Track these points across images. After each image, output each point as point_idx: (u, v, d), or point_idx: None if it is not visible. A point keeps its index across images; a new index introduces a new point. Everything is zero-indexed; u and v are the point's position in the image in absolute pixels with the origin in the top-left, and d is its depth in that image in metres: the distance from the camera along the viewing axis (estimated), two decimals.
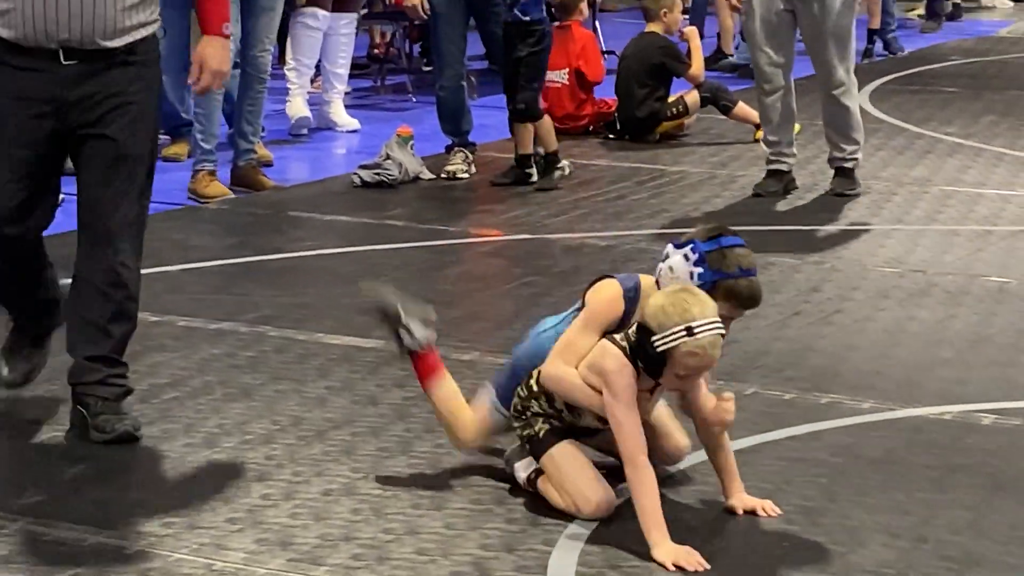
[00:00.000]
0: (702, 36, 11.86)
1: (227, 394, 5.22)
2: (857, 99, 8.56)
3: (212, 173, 8.14)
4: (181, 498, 4.38)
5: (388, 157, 8.60)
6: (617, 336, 4.21)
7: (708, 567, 3.93)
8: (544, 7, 8.77)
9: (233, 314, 6.10)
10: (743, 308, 4.34)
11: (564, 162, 8.91)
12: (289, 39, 10.08)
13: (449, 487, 4.48)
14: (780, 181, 8.52)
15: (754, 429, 4.94)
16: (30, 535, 4.12)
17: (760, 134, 10.08)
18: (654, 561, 3.96)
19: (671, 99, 10.12)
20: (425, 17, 9.01)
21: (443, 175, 8.80)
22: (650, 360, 4.07)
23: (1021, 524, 4.27)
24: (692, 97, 10.11)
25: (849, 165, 8.55)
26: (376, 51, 13.12)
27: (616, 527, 4.21)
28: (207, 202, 8.06)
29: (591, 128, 10.36)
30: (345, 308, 6.15)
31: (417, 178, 8.71)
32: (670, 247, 4.35)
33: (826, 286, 6.72)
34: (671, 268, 4.29)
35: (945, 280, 6.79)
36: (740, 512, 4.27)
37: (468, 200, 8.46)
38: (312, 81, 10.37)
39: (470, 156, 8.94)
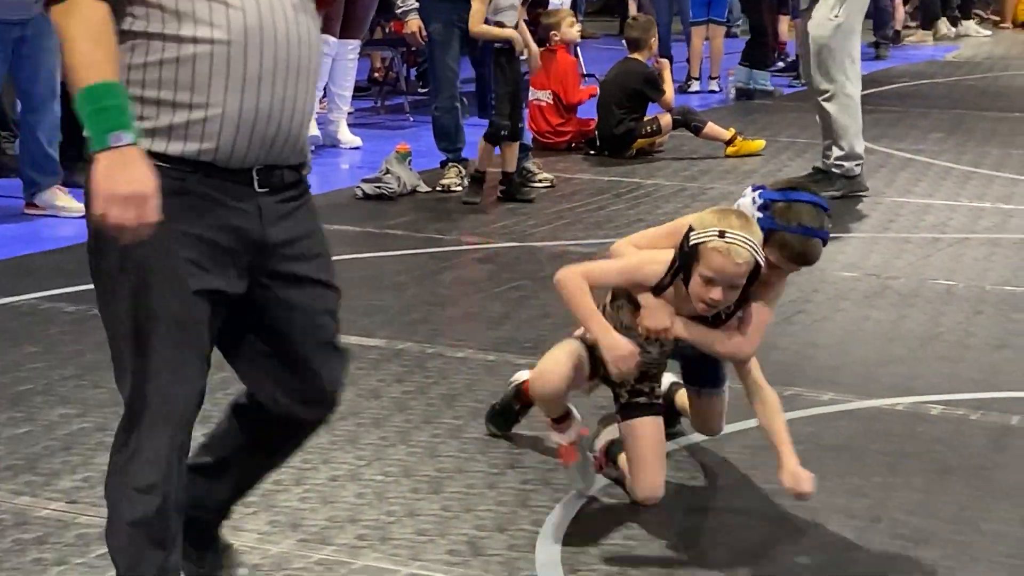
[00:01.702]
0: (671, 61, 11.93)
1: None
2: (846, 108, 8.54)
3: None
4: None
5: (388, 172, 8.60)
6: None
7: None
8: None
9: None
10: (793, 263, 4.14)
11: (550, 175, 8.96)
12: None
13: (445, 473, 4.47)
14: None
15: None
16: (61, 519, 4.11)
17: (731, 150, 10.14)
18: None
19: (646, 119, 10.16)
20: (423, 44, 9.01)
21: (438, 188, 8.81)
22: (683, 257, 3.95)
23: (967, 505, 4.28)
24: (665, 119, 10.16)
25: (833, 170, 8.58)
26: (376, 75, 13.12)
27: (599, 509, 4.22)
28: None
29: (573, 145, 10.38)
30: (350, 310, 6.10)
31: (415, 191, 8.71)
32: (747, 189, 4.21)
33: (788, 289, 6.64)
34: (739, 207, 4.12)
35: (897, 283, 6.80)
36: (786, 486, 3.96)
37: (461, 211, 8.45)
38: (319, 102, 10.38)
39: (463, 171, 8.94)
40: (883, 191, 8.91)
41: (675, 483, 4.40)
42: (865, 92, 9.38)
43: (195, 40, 2.84)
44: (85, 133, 2.73)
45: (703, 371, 4.47)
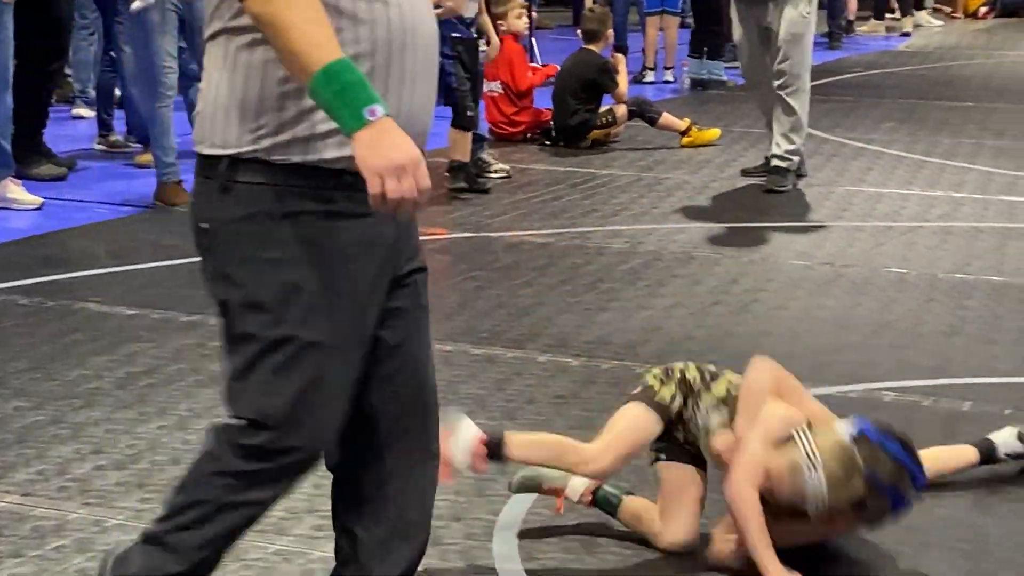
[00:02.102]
0: (626, 53, 11.96)
1: (198, 380, 5.20)
2: (804, 103, 8.59)
3: (178, 183, 8.07)
4: (156, 476, 4.36)
5: None
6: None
7: None
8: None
9: (203, 307, 6.05)
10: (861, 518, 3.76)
11: (505, 166, 8.97)
12: None
13: None
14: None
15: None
16: (16, 512, 4.09)
17: (686, 140, 10.17)
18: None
19: (601, 110, 10.17)
20: None
21: None
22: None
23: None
24: (621, 110, 10.17)
25: (782, 164, 8.61)
26: None
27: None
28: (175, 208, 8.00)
29: (529, 135, 10.39)
30: None
31: None
32: (852, 418, 3.83)
33: (743, 278, 6.75)
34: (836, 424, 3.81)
35: (850, 271, 6.83)
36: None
37: None
38: None
39: None
40: (836, 180, 8.96)
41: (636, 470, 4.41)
42: (818, 82, 9.45)
43: (356, 40, 2.67)
44: (331, 114, 2.54)
45: None
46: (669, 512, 3.92)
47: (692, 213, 8.10)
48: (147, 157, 8.87)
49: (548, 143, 10.23)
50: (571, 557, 3.86)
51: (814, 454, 3.66)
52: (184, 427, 4.75)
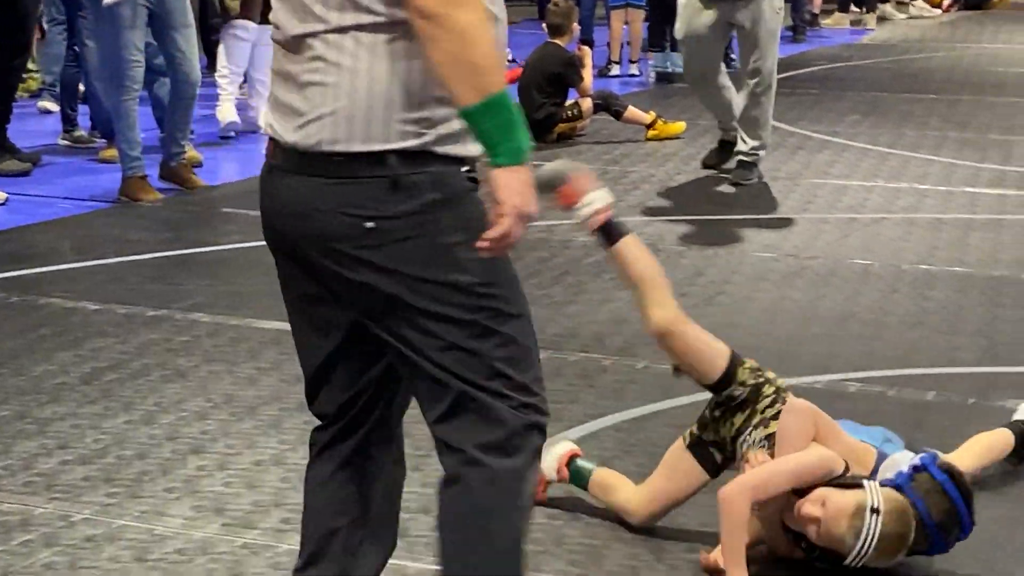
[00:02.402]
0: (592, 46, 11.97)
1: (164, 375, 5.19)
2: (772, 100, 8.60)
3: (143, 178, 8.04)
4: (123, 470, 4.36)
5: None
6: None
7: None
8: None
9: (169, 302, 6.06)
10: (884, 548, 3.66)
11: None
12: (221, 48, 10.02)
13: None
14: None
15: (646, 399, 4.98)
16: None
17: (651, 133, 10.18)
18: None
19: (567, 104, 10.18)
20: None
21: None
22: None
23: None
24: (586, 103, 10.17)
25: (749, 159, 8.64)
26: None
27: None
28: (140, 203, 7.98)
29: None
30: (273, 295, 6.07)
31: None
32: (920, 456, 3.81)
33: (709, 271, 6.77)
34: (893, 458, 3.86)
35: (815, 263, 6.86)
36: None
37: None
38: (239, 88, 10.32)
39: None
40: (801, 173, 8.99)
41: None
42: (783, 76, 9.46)
43: None
44: (487, 138, 2.56)
45: None
46: (653, 489, 3.96)
47: (658, 206, 8.12)
48: (111, 152, 8.83)
49: None
50: (539, 549, 3.87)
51: (880, 503, 3.63)
52: (150, 422, 4.74)
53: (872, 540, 3.59)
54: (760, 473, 3.71)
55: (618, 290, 6.39)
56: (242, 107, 10.23)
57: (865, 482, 3.69)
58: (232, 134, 9.97)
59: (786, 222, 7.70)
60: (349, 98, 2.62)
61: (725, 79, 8.70)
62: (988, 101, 12.06)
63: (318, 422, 3.01)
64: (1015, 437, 4.36)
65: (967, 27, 18.68)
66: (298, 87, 2.68)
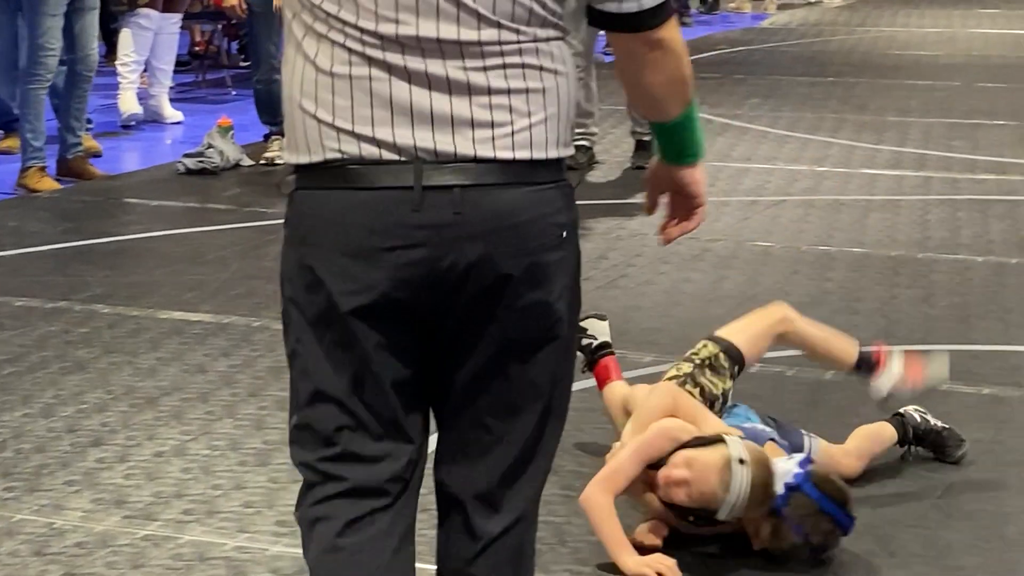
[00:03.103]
0: None
1: (63, 367, 5.13)
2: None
3: (42, 169, 7.94)
4: (21, 464, 4.30)
5: (210, 146, 8.49)
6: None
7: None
8: None
9: (67, 294, 5.99)
10: (772, 539, 3.77)
11: None
12: (122, 37, 9.91)
13: (272, 445, 4.44)
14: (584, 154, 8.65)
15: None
16: None
17: None
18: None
19: None
20: (243, 17, 8.91)
21: (262, 161, 8.71)
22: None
23: None
24: None
25: (648, 139, 8.65)
26: (197, 48, 12.94)
27: None
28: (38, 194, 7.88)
29: None
30: (174, 285, 6.08)
31: (238, 165, 8.61)
32: (798, 460, 3.83)
33: (612, 254, 6.79)
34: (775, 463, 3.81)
35: (717, 246, 6.90)
36: None
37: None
38: (140, 77, 10.22)
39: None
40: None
41: None
42: None
43: None
44: (685, 138, 2.55)
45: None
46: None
47: (581, 177, 8.11)
48: (9, 143, 8.71)
49: None
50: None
51: (744, 453, 3.68)
52: (49, 414, 4.68)
53: (744, 490, 3.62)
54: (606, 468, 3.81)
55: None
56: (144, 96, 10.13)
57: (725, 436, 3.74)
58: (133, 124, 9.87)
59: None
60: (550, 103, 2.42)
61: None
62: (885, 84, 12.20)
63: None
64: (897, 431, 4.41)
65: (865, 11, 18.87)
66: (485, 93, 2.36)
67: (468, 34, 2.35)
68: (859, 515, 4.02)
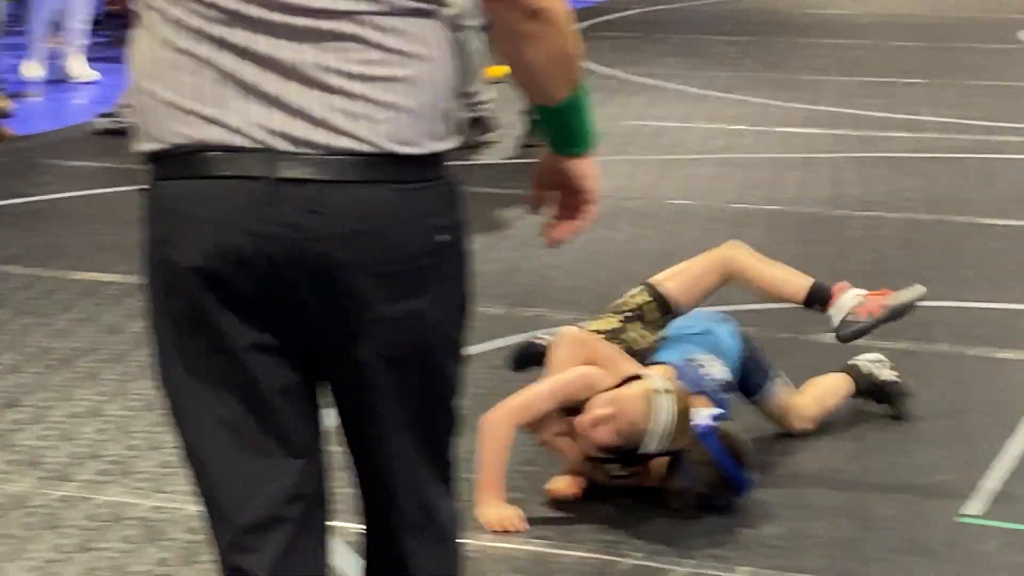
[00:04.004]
0: None
1: None
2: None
3: None
4: None
5: (126, 106, 8.41)
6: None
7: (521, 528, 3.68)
8: None
9: None
10: (659, 483, 3.82)
11: None
12: None
13: None
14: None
15: (469, 341, 4.96)
16: None
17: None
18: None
19: None
20: None
21: None
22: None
23: None
24: None
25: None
26: (111, 7, 12.78)
27: None
28: None
29: None
30: (88, 246, 6.01)
31: None
32: (710, 413, 3.85)
33: (528, 214, 6.77)
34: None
35: (634, 204, 6.92)
36: None
37: None
38: (55, 37, 10.09)
39: None
40: (619, 115, 9.03)
41: None
42: (602, 19, 9.52)
43: None
44: (572, 125, 2.35)
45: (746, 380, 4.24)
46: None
47: (479, 151, 8.12)
48: None
49: None
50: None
51: (665, 384, 3.72)
52: None
53: (669, 419, 3.65)
54: (519, 397, 3.77)
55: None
56: (58, 55, 10.00)
57: (641, 372, 3.76)
58: (41, 84, 9.77)
59: (605, 164, 7.69)
60: (423, 92, 2.19)
61: None
62: (801, 42, 12.26)
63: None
64: (853, 381, 4.43)
65: None
66: (347, 79, 2.14)
67: (321, 1, 2.13)
68: (776, 466, 4.07)
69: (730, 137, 8.48)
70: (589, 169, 2.38)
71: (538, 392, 3.78)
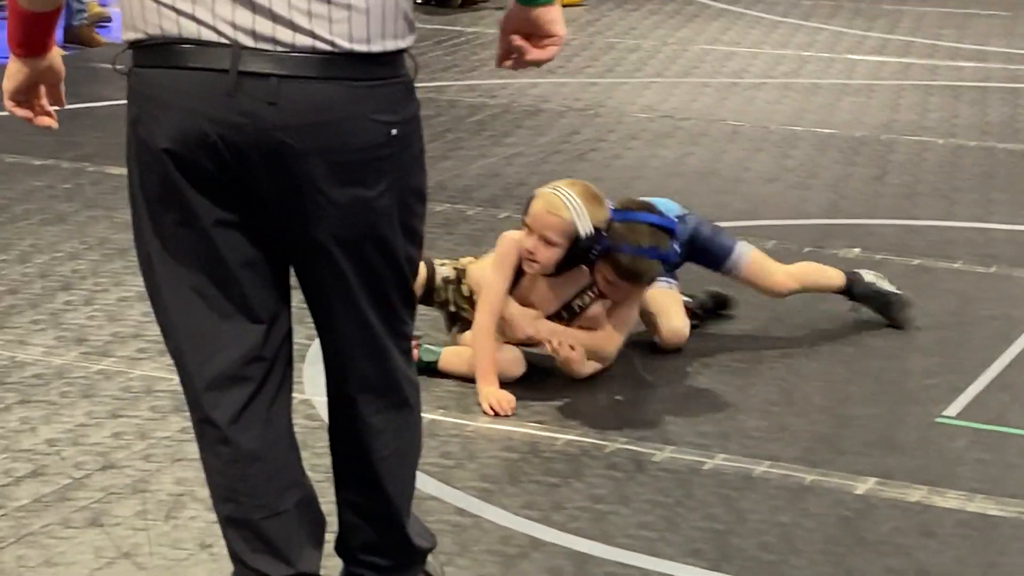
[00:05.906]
0: None
1: (44, 219, 5.37)
2: None
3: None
4: None
5: None
6: None
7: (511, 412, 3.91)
8: None
9: (57, 152, 6.21)
10: (623, 280, 4.10)
11: None
12: None
13: None
14: None
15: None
16: None
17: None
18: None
19: None
20: None
21: None
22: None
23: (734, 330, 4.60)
24: None
25: None
26: None
27: None
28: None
29: None
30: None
31: None
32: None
33: (585, 129, 6.97)
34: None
35: (688, 124, 7.07)
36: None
37: None
38: None
39: None
40: (693, 39, 9.16)
41: None
42: None
43: None
44: None
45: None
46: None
47: (548, 68, 8.25)
48: None
49: (419, 2, 10.32)
50: None
51: (556, 185, 4.06)
52: (24, 261, 4.93)
53: (577, 201, 3.99)
54: (482, 296, 4.11)
55: (495, 147, 6.60)
56: None
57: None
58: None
59: (668, 85, 7.89)
60: None
61: None
62: None
63: None
64: (845, 278, 4.59)
65: None
66: None
67: None
68: (768, 367, 4.26)
69: (797, 63, 8.57)
70: (556, 14, 2.59)
71: (490, 281, 4.10)
